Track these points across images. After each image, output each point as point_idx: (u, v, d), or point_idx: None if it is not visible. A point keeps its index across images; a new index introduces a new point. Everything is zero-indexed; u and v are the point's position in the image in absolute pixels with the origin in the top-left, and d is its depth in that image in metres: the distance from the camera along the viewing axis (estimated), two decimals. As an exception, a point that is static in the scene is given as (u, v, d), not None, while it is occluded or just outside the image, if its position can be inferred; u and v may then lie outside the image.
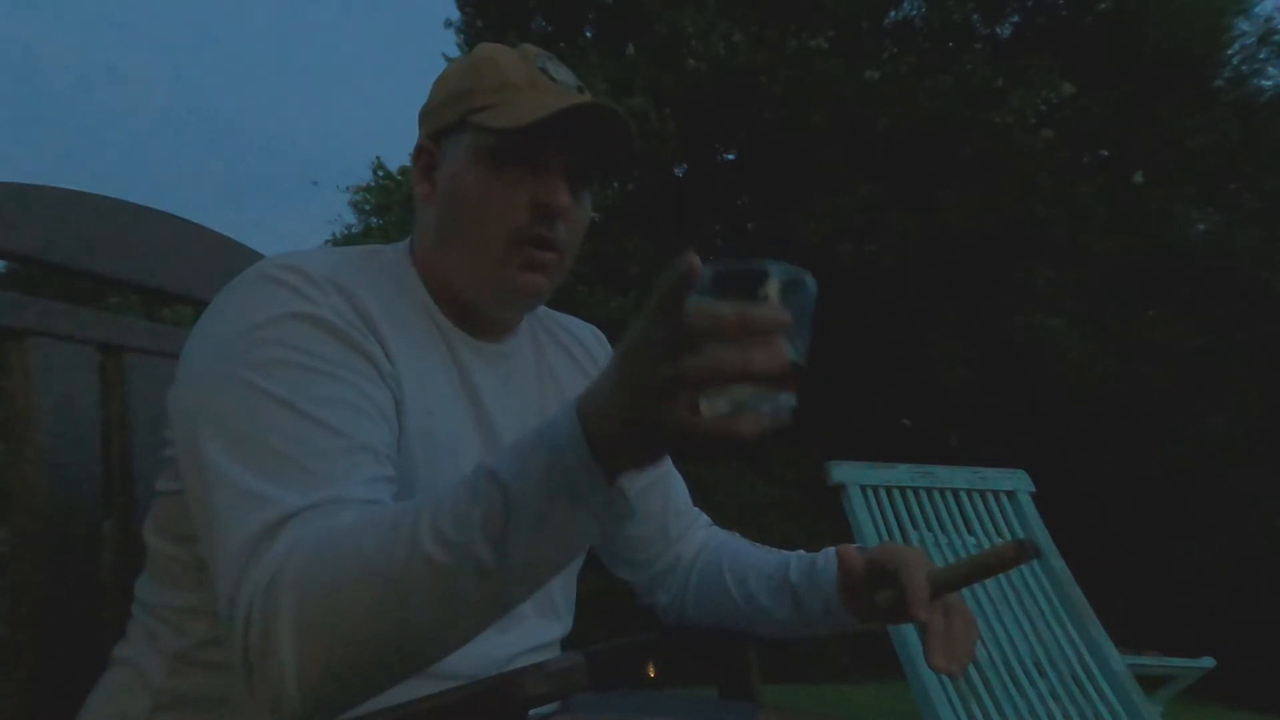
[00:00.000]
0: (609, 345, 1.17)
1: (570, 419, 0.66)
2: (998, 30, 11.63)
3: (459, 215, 0.94)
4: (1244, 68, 11.07)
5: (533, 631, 1.00)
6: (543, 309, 1.12)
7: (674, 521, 1.19)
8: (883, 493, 2.78)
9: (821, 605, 1.06)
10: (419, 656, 0.70)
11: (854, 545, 1.06)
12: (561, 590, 1.06)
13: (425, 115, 0.99)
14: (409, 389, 0.88)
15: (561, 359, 1.10)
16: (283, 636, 0.66)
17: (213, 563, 0.74)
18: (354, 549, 0.68)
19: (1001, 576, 2.65)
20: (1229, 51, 11.03)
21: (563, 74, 0.97)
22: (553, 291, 0.99)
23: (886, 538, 2.66)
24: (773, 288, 0.60)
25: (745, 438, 0.59)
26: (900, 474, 2.83)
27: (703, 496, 1.24)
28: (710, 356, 0.57)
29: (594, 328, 1.19)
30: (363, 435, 0.79)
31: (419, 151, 0.99)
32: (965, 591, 1.01)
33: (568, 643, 1.07)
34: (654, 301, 0.60)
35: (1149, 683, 3.10)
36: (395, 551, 0.66)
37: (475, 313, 0.98)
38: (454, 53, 11.13)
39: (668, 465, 1.20)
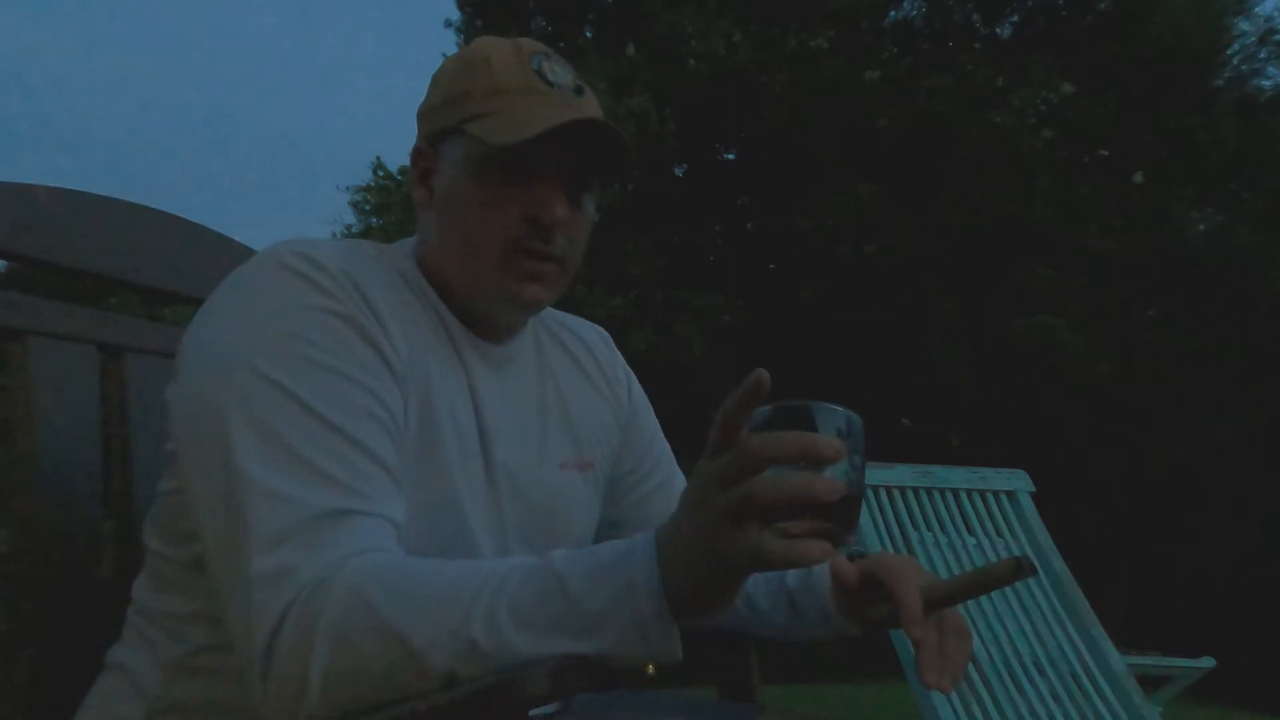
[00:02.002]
0: (615, 347, 1.17)
1: (649, 554, 0.69)
2: (998, 30, 11.64)
3: (455, 226, 0.93)
4: (1244, 68, 11.08)
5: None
6: (547, 309, 1.11)
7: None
8: (883, 493, 2.77)
9: (818, 611, 1.05)
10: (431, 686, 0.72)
11: (845, 551, 1.04)
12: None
13: (422, 116, 0.99)
14: (414, 389, 0.87)
15: (563, 361, 1.09)
16: (318, 647, 0.69)
17: (227, 558, 0.74)
18: (409, 595, 0.71)
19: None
20: (1229, 51, 11.04)
21: (559, 74, 0.95)
22: (554, 299, 0.98)
23: (887, 538, 2.65)
24: (824, 423, 0.66)
25: (814, 563, 0.65)
26: (900, 474, 2.82)
27: (703, 497, 1.23)
28: (776, 480, 0.63)
29: (600, 328, 1.18)
30: (386, 453, 0.81)
31: (416, 155, 0.98)
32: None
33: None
34: (720, 424, 0.66)
35: (1149, 683, 3.10)
36: (449, 616, 0.69)
37: (479, 316, 0.98)
38: (454, 52, 11.13)
39: (672, 470, 1.19)
